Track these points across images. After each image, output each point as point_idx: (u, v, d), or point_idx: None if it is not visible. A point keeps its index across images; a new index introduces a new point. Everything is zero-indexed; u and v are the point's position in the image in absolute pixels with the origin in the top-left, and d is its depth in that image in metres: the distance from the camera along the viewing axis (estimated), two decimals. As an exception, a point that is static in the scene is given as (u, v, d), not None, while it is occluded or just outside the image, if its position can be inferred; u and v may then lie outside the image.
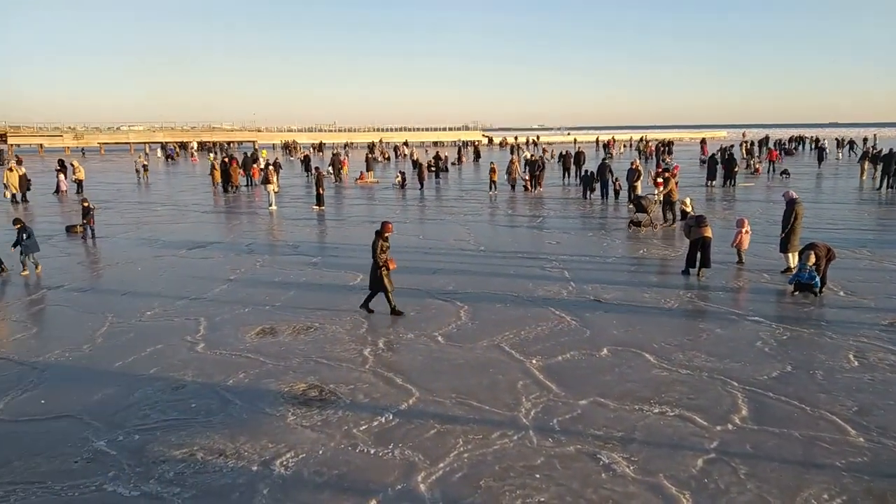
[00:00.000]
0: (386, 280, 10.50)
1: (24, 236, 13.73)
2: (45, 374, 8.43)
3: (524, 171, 31.55)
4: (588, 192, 26.96)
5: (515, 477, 5.82)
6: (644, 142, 59.23)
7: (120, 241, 18.15)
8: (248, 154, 38.55)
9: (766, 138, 66.03)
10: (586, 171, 28.38)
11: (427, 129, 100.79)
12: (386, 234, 10.59)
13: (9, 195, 27.01)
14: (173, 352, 9.17)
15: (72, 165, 33.23)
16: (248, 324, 10.42)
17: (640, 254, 15.63)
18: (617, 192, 25.98)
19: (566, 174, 34.30)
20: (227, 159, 33.10)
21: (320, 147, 73.88)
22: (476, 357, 8.87)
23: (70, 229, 19.10)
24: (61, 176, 31.89)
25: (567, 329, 9.93)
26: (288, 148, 71.65)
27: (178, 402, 7.55)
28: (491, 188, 29.44)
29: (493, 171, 29.94)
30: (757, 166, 38.30)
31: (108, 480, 5.90)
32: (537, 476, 5.84)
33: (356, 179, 36.53)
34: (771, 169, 37.72)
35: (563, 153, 36.04)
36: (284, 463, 6.17)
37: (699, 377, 8.04)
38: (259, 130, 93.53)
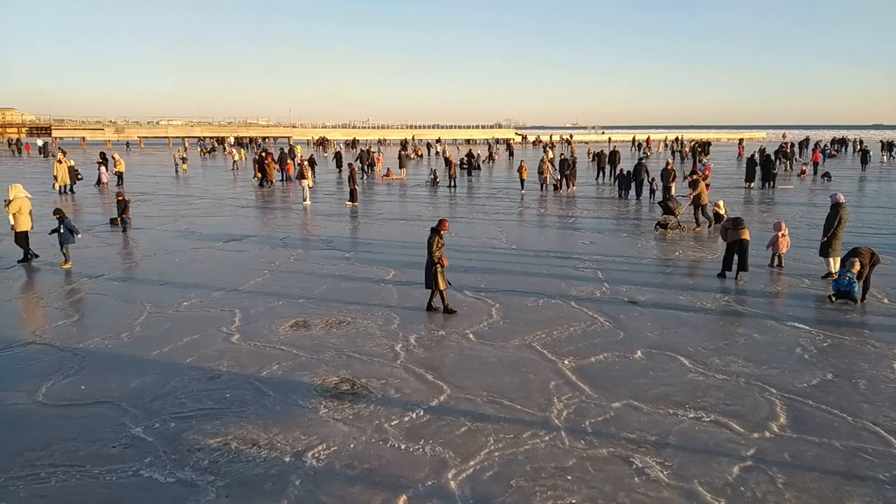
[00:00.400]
0: (440, 277, 10.45)
1: (63, 228, 13.98)
2: (86, 360, 8.64)
3: (555, 171, 31.31)
4: (624, 192, 26.65)
5: (547, 478, 5.78)
6: (679, 142, 58.26)
7: (158, 233, 18.52)
8: (284, 150, 39.03)
9: (807, 140, 64.49)
10: (622, 171, 28.00)
11: (460, 127, 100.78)
12: (443, 231, 10.55)
13: (58, 186, 27.75)
14: (209, 342, 9.32)
15: (113, 158, 34.05)
16: (281, 316, 10.53)
17: (675, 255, 15.39)
18: (653, 192, 25.63)
19: (601, 173, 33.97)
20: (262, 154, 33.54)
21: (353, 143, 74.42)
22: (508, 356, 8.83)
23: (113, 221, 19.53)
24: (102, 168, 32.70)
25: (600, 330, 9.82)
26: (321, 144, 72.37)
27: (213, 391, 7.67)
28: (521, 187, 29.36)
29: (522, 169, 29.86)
30: (804, 168, 37.19)
31: (144, 466, 6.02)
32: (569, 478, 5.78)
33: (382, 176, 36.71)
34: (813, 171, 36.79)
35: (599, 152, 35.68)
36: (316, 455, 6.22)
37: (736, 383, 7.88)
38: (293, 126, 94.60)
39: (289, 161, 35.47)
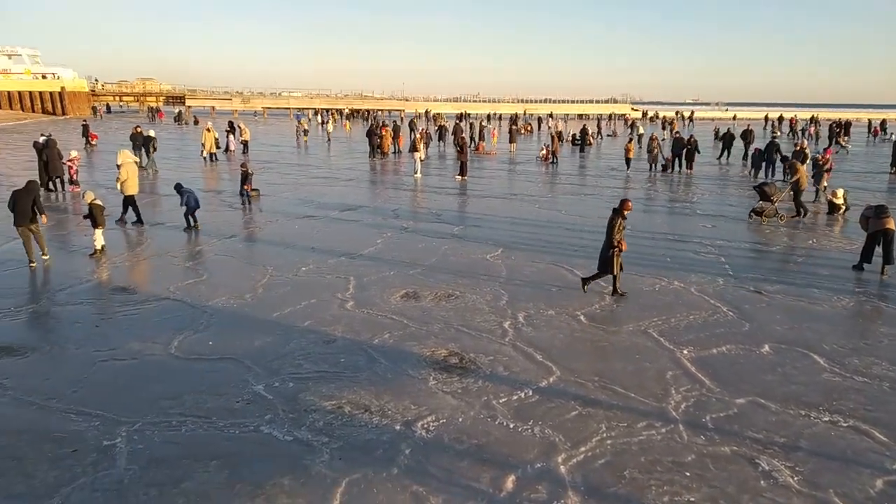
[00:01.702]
0: (617, 261, 9.94)
1: (184, 196, 14.67)
2: (213, 318, 9.19)
3: (662, 149, 29.39)
4: (754, 173, 24.90)
5: (662, 472, 5.51)
6: (814, 122, 53.57)
7: (279, 200, 19.39)
8: (397, 122, 39.66)
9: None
10: (756, 150, 26.03)
11: (572, 102, 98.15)
12: (625, 212, 10.00)
13: (205, 154, 29.65)
14: (325, 307, 9.64)
15: (239, 128, 35.97)
16: (393, 286, 10.72)
17: (808, 244, 14.21)
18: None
19: (725, 153, 31.92)
20: (374, 126, 34.23)
21: (462, 117, 74.41)
22: (621, 341, 8.51)
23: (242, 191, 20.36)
24: (230, 137, 34.63)
25: (723, 320, 9.24)
26: (431, 118, 72.92)
27: (329, 355, 7.93)
28: (627, 166, 27.91)
29: (628, 148, 28.25)
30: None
31: (264, 423, 6.32)
32: (687, 474, 5.49)
33: (474, 150, 36.35)
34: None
35: (726, 131, 33.37)
36: (426, 426, 6.27)
37: (879, 387, 7.16)
38: (406, 100, 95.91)
39: (400, 135, 36.00)
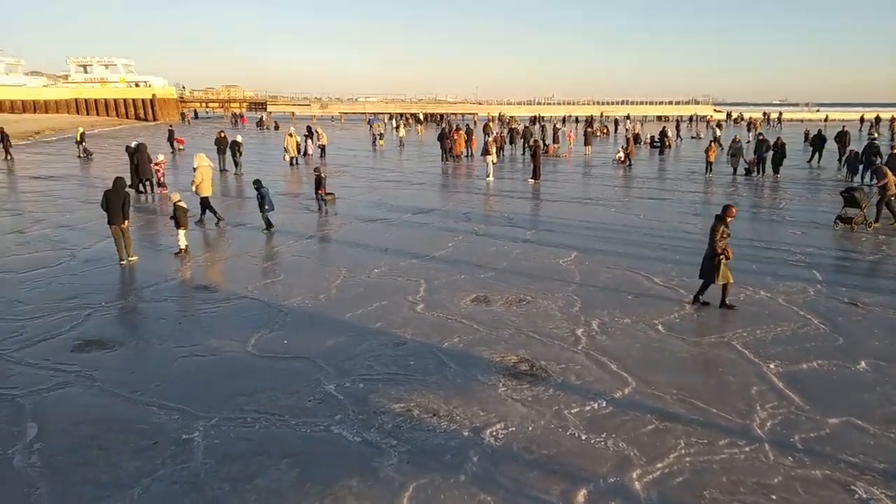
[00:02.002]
0: (723, 269, 9.48)
1: (260, 196, 14.91)
2: (289, 317, 9.39)
3: (742, 152, 27.86)
4: (851, 177, 23.42)
5: (746, 493, 5.19)
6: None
7: (353, 203, 19.73)
8: (470, 125, 39.70)
9: None
10: (851, 152, 24.45)
11: (651, 103, 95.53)
12: (728, 219, 9.63)
13: (288, 158, 30.62)
14: (396, 309, 9.69)
15: (317, 132, 36.92)
16: (463, 290, 10.65)
17: (910, 254, 13.19)
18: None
19: (816, 156, 30.16)
20: (446, 130, 34.33)
21: (536, 120, 73.73)
22: (702, 353, 8.12)
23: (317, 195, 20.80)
24: (309, 141, 35.59)
25: (814, 333, 8.68)
26: (502, 120, 72.58)
27: (399, 357, 7.94)
28: (707, 170, 26.74)
29: (710, 150, 26.99)
30: None
31: (334, 423, 6.37)
32: (773, 497, 5.14)
33: (544, 153, 35.72)
34: None
35: (818, 132, 31.45)
36: (494, 433, 6.16)
37: None
38: (479, 103, 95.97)
39: (473, 138, 35.98)
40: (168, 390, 7.00)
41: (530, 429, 6.26)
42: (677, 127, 49.71)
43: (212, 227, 15.67)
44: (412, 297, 10.30)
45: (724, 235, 9.42)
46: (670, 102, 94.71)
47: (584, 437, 6.10)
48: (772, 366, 7.65)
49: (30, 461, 5.62)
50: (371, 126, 46.11)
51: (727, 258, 9.43)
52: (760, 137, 28.82)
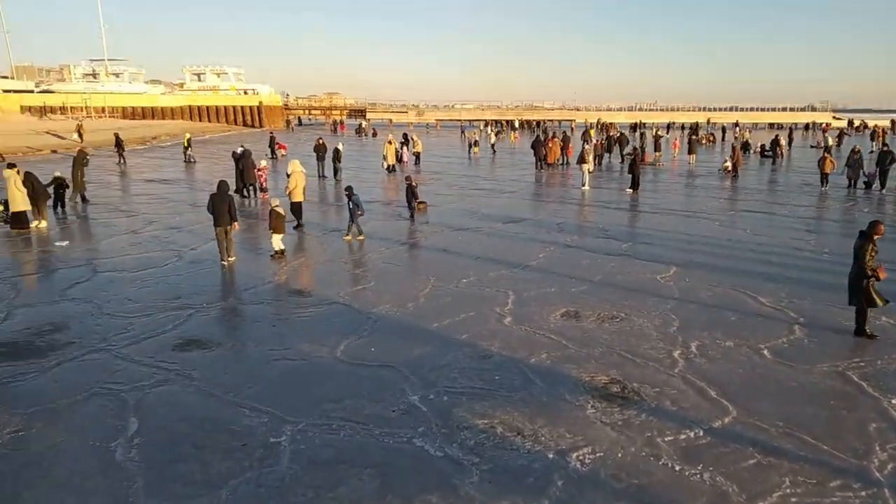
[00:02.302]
0: (872, 293, 8.65)
1: (351, 204, 15.15)
2: (377, 324, 9.48)
3: (873, 164, 25.56)
4: None
5: (863, 546, 4.67)
6: None
7: (445, 211, 19.80)
8: (567, 133, 39.06)
9: None
10: None
11: (762, 110, 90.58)
12: (876, 237, 8.84)
13: (386, 165, 31.37)
14: (483, 321, 9.56)
15: (412, 139, 37.50)
16: (553, 303, 10.38)
17: None
18: None
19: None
20: (541, 137, 33.91)
21: (636, 127, 71.56)
22: (812, 382, 7.47)
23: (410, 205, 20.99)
24: (404, 148, 36.20)
25: (946, 368, 7.79)
26: (601, 127, 70.97)
27: (484, 371, 7.80)
28: (823, 183, 24.75)
29: (824, 161, 24.90)
30: None
31: (417, 435, 6.32)
32: (896, 553, 4.60)
33: (640, 161, 34.23)
34: None
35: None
36: (581, 458, 5.91)
37: None
38: (577, 109, 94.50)
39: (570, 145, 35.36)
40: (259, 393, 7.21)
41: (620, 455, 5.95)
42: (790, 135, 46.68)
43: (308, 232, 16.18)
44: (500, 308, 10.14)
45: (873, 254, 8.59)
46: (784, 109, 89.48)
47: (677, 468, 5.73)
48: (893, 401, 6.92)
49: (129, 455, 5.93)
50: (464, 133, 46.31)
51: (878, 279, 8.59)
52: (885, 149, 26.47)
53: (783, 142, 37.72)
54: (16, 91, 72.58)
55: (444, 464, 5.84)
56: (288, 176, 16.77)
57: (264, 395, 7.13)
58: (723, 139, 54.76)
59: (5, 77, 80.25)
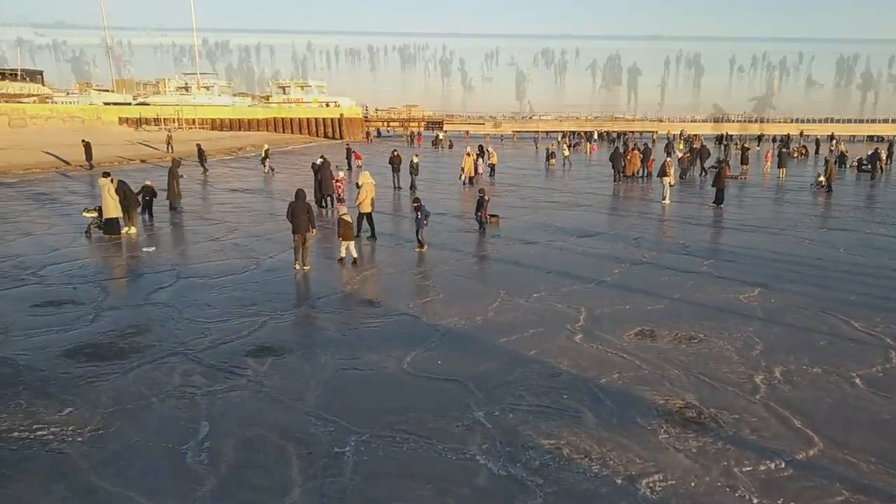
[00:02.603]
0: None
1: (419, 214, 15.27)
2: (444, 336, 9.45)
3: None
4: None
5: None
6: None
7: (518, 224, 19.61)
8: (648, 144, 38.05)
9: None
10: None
11: (860, 121, 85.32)
12: None
13: (464, 178, 31.56)
14: (553, 337, 9.36)
15: (487, 151, 37.48)
16: (626, 321, 10.05)
17: None
18: None
19: None
20: (620, 148, 33.13)
21: (721, 139, 68.81)
22: (912, 416, 6.87)
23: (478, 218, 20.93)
24: (480, 160, 36.20)
25: None
26: (686, 139, 68.68)
27: (552, 389, 7.62)
28: None
29: None
30: None
31: (480, 452, 6.21)
32: None
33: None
34: None
35: None
36: (651, 485, 5.64)
37: None
38: (660, 120, 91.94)
39: (651, 157, 34.38)
40: (326, 402, 7.30)
41: (693, 484, 5.65)
42: (890, 147, 43.69)
43: (381, 243, 16.39)
44: (571, 325, 9.91)
45: None
46: (885, 121, 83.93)
47: (755, 501, 5.38)
48: None
49: (199, 458, 6.11)
50: (536, 144, 45.87)
51: None
52: None
53: (884, 155, 35.36)
54: (115, 104, 77.54)
55: (506, 483, 5.72)
56: (358, 187, 17.12)
57: (331, 405, 7.22)
58: (816, 152, 51.93)
59: (107, 90, 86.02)
